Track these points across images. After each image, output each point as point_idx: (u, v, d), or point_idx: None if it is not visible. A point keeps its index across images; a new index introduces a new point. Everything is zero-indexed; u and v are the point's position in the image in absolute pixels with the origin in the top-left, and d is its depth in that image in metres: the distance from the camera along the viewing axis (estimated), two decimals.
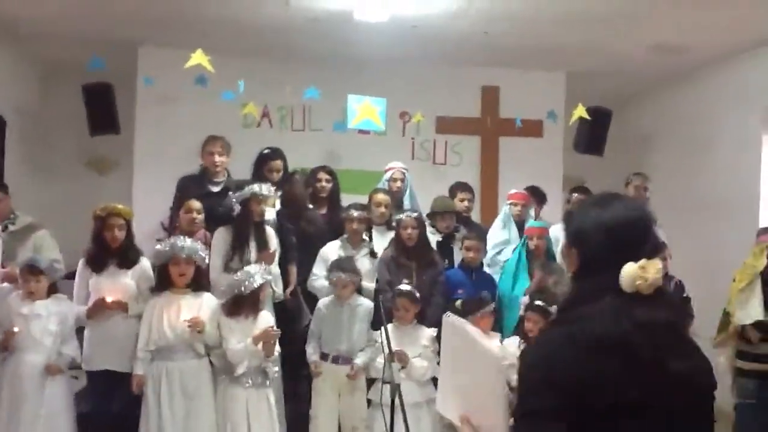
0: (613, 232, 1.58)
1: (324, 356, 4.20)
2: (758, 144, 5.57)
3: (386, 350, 3.45)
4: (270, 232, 4.52)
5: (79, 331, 4.12)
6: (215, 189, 4.94)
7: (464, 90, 6.53)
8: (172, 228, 4.67)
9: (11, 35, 5.83)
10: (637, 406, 1.47)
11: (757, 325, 4.13)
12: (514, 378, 3.83)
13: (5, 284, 4.08)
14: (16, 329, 3.77)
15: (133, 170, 6.32)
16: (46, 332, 3.87)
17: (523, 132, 6.47)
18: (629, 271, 1.52)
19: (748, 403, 4.15)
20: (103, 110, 6.04)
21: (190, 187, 4.94)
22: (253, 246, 4.36)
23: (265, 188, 4.45)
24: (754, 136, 5.61)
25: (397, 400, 3.07)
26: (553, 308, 4.14)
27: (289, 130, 6.39)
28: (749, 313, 4.14)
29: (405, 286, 4.16)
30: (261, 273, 3.95)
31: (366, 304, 4.29)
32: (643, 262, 1.52)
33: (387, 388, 3.31)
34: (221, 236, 4.43)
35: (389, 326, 4.15)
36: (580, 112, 5.36)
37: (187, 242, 3.92)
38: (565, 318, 1.62)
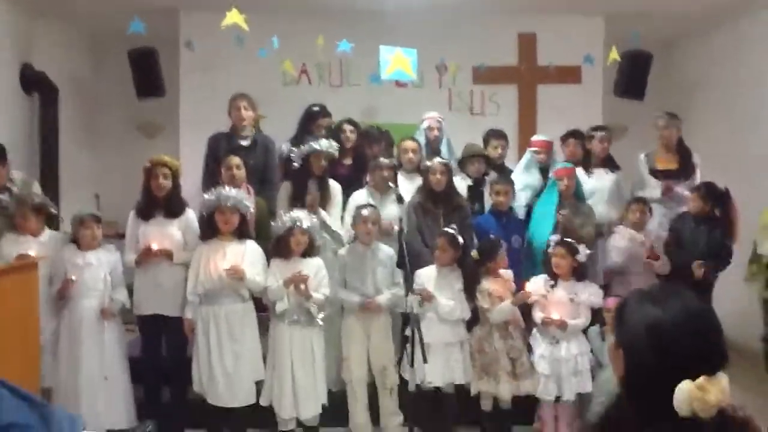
0: (667, 338, 1.31)
1: None
2: None
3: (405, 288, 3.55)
4: (334, 186, 4.69)
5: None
6: (244, 143, 5.12)
7: (500, 38, 6.50)
8: (208, 184, 4.82)
9: (60, 7, 6.08)
10: None
11: None
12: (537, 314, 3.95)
13: (57, 234, 4.35)
14: (73, 278, 4.04)
15: (179, 132, 6.55)
16: (99, 279, 4.15)
17: (561, 78, 6.45)
18: (685, 390, 1.25)
19: None
20: (148, 74, 6.28)
21: (220, 143, 5.14)
22: (313, 200, 4.53)
23: (324, 143, 4.62)
24: None
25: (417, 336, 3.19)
26: (581, 247, 4.23)
27: (327, 86, 6.51)
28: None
29: (448, 229, 4.26)
30: (304, 219, 4.12)
31: (386, 249, 4.40)
32: (702, 380, 1.25)
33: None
34: (284, 190, 4.67)
35: (432, 268, 4.31)
36: (614, 54, 5.31)
37: (232, 192, 4.12)
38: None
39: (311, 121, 5.33)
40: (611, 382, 4.14)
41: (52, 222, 4.54)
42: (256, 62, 5.89)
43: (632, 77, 6.29)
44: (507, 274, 4.30)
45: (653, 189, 5.03)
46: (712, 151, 5.72)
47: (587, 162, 5.17)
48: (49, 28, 6.29)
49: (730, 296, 4.76)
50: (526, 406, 4.35)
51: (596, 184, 5.07)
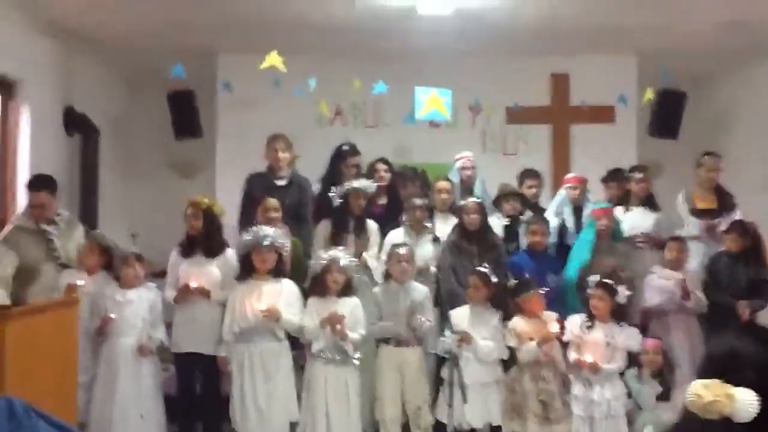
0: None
1: (385, 340, 4.32)
2: None
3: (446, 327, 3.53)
4: (371, 225, 4.74)
5: None
6: (281, 183, 5.17)
7: (533, 79, 6.54)
8: (243, 223, 4.88)
9: (99, 49, 6.27)
10: None
11: None
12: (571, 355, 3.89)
13: (100, 273, 4.44)
14: (113, 315, 4.11)
15: (215, 172, 6.65)
16: (138, 317, 4.22)
17: (595, 118, 6.46)
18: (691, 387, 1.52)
19: None
20: (186, 116, 6.45)
21: (257, 183, 5.21)
22: (351, 239, 4.60)
23: (364, 183, 4.70)
24: None
25: (456, 377, 3.16)
26: (621, 288, 4.18)
27: (361, 127, 6.59)
28: None
29: (482, 268, 4.26)
30: (341, 257, 4.16)
31: (420, 287, 4.40)
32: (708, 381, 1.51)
33: (448, 364, 3.41)
34: (323, 228, 4.73)
35: (465, 308, 4.29)
36: (649, 95, 5.32)
37: (269, 231, 4.17)
38: None
39: (341, 160, 5.35)
40: (650, 426, 4.09)
41: None
42: (292, 103, 6.02)
43: (666, 116, 6.30)
44: (550, 316, 4.24)
45: (692, 228, 4.97)
46: (744, 186, 5.64)
47: (626, 200, 5.13)
48: (88, 69, 6.47)
49: None
50: None
51: (635, 222, 5.02)
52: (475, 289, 4.27)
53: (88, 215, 6.22)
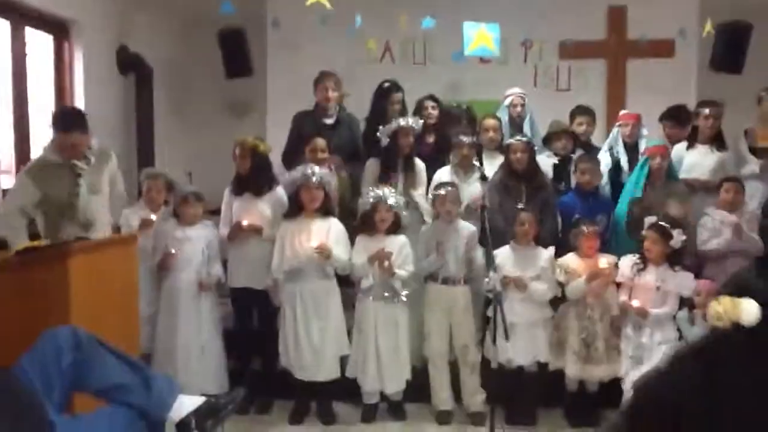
0: None
1: (433, 278, 4.35)
2: None
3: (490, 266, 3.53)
4: (419, 164, 4.74)
5: None
6: (329, 121, 5.16)
7: (588, 11, 6.35)
8: (289, 160, 4.92)
9: None
10: None
11: None
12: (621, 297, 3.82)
13: (163, 210, 4.59)
14: (173, 251, 4.26)
15: (266, 111, 6.70)
16: (197, 253, 4.36)
17: (653, 52, 6.25)
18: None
19: None
20: (237, 54, 6.45)
21: (305, 121, 5.21)
22: (401, 177, 4.61)
23: (411, 120, 4.68)
24: None
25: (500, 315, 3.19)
26: (675, 232, 4.10)
27: (410, 64, 6.51)
28: None
29: (521, 205, 4.27)
30: (389, 196, 4.19)
31: (468, 226, 4.39)
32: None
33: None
34: (370, 167, 4.75)
35: (507, 247, 4.30)
36: (709, 27, 5.10)
37: (317, 170, 4.22)
38: None
39: (384, 98, 5.30)
40: None
41: None
42: (341, 40, 5.98)
43: (729, 50, 6.00)
44: (602, 256, 4.21)
45: (752, 166, 4.82)
46: None
47: (693, 137, 4.98)
48: (142, 11, 6.52)
49: None
50: (617, 390, 4.29)
51: (698, 159, 4.89)
52: (522, 227, 4.26)
53: (145, 153, 6.39)
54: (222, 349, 4.46)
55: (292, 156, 4.90)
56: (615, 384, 4.27)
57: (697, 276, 4.31)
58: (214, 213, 4.79)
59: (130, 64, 6.26)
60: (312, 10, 5.73)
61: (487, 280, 3.45)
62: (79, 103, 5.51)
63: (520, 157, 4.49)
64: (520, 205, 4.26)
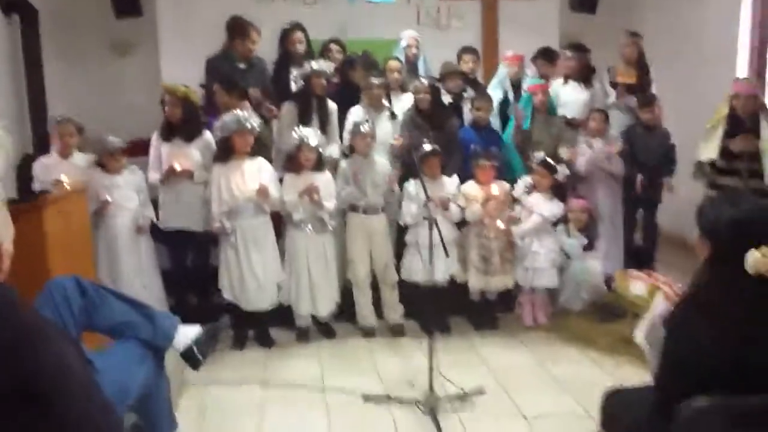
0: (743, 227, 1.99)
1: (354, 208, 4.81)
2: (738, 2, 6.02)
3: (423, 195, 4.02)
4: (332, 105, 5.06)
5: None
6: (242, 66, 5.40)
7: None
8: (209, 105, 5.12)
9: None
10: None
11: (713, 164, 4.85)
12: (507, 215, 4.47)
13: (85, 155, 4.67)
14: (108, 198, 4.42)
15: (159, 51, 6.70)
16: (129, 198, 4.56)
17: None
18: (754, 255, 1.90)
19: None
20: None
21: (220, 66, 5.40)
22: (316, 118, 4.93)
23: (323, 64, 4.99)
24: None
25: (435, 236, 3.74)
26: (560, 167, 4.84)
27: (301, 5, 6.72)
28: (708, 152, 4.85)
29: (427, 146, 4.73)
30: (311, 136, 4.56)
31: (384, 161, 4.88)
32: (765, 249, 1.89)
33: (424, 227, 3.97)
34: (288, 110, 5.02)
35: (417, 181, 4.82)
36: None
37: (249, 115, 4.50)
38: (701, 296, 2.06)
39: (286, 39, 5.58)
40: (580, 273, 4.89)
41: None
42: None
43: None
44: (499, 183, 4.86)
45: (612, 98, 5.64)
46: (656, 59, 6.28)
47: (566, 76, 5.70)
48: None
49: (679, 191, 5.48)
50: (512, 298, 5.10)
51: (571, 96, 5.64)
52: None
53: (36, 97, 6.23)
54: (162, 289, 4.73)
55: (211, 100, 5.08)
56: (509, 293, 5.05)
57: (572, 194, 5.11)
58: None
59: (13, 4, 6.02)
60: None
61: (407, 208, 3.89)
62: None
63: (423, 97, 4.97)
64: (427, 146, 4.75)
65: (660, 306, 2.60)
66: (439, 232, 3.69)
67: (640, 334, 2.33)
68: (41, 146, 6.13)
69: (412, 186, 4.75)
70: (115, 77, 7.33)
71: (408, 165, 4.88)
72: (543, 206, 4.87)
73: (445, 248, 3.68)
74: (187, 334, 2.94)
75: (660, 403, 2.06)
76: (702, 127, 5.21)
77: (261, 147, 4.89)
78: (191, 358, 2.91)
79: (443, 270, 4.68)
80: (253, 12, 6.33)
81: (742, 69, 6.17)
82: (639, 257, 5.51)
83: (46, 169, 4.48)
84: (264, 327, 4.75)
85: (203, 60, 6.19)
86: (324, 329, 4.87)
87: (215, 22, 6.06)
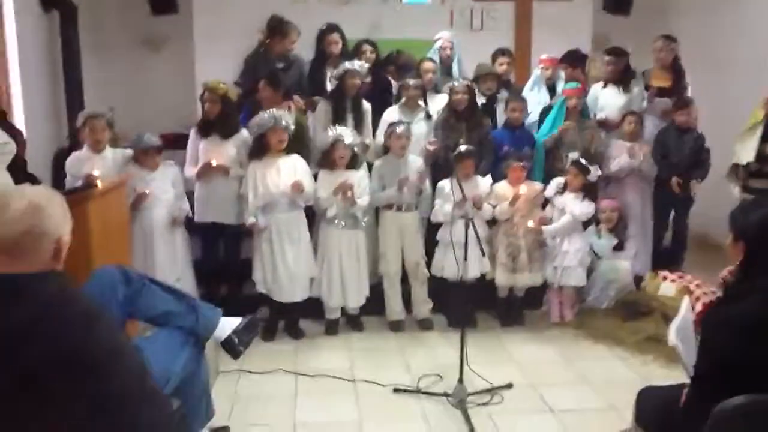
0: None
1: (388, 206, 4.88)
2: None
3: (458, 194, 4.10)
4: (366, 105, 5.14)
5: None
6: (281, 64, 5.49)
7: None
8: (249, 103, 5.19)
9: None
10: None
11: (747, 166, 4.84)
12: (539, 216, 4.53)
13: (119, 150, 4.74)
14: (147, 191, 4.53)
15: (193, 48, 6.82)
16: (166, 191, 4.66)
17: None
18: None
19: None
20: None
21: (258, 64, 5.51)
22: (350, 118, 5.01)
23: (357, 64, 5.06)
24: None
25: (471, 235, 3.80)
26: (592, 168, 4.88)
27: (335, 5, 6.80)
28: (745, 154, 4.84)
29: (463, 147, 4.78)
30: (346, 135, 4.64)
31: (417, 159, 4.93)
32: None
33: (461, 224, 4.02)
34: (323, 109, 5.11)
35: (451, 180, 4.88)
36: None
37: (284, 114, 4.60)
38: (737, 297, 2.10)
39: (322, 40, 5.66)
40: (609, 272, 4.92)
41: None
42: None
43: None
44: (531, 183, 4.91)
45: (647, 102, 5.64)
46: (689, 63, 6.25)
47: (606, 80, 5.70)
48: None
49: (710, 193, 5.48)
50: (540, 295, 5.13)
51: (609, 99, 5.63)
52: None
53: (73, 92, 6.38)
54: (194, 279, 4.83)
55: (250, 97, 5.18)
56: (537, 290, 5.09)
57: (603, 195, 5.14)
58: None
59: (52, 0, 6.17)
60: None
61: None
62: (12, 42, 5.48)
63: (461, 98, 5.03)
64: (463, 147, 4.79)
65: (690, 307, 2.65)
66: (476, 230, 3.75)
67: (672, 334, 2.36)
68: (77, 141, 6.30)
69: (447, 185, 4.80)
70: (149, 73, 7.50)
71: (442, 165, 4.95)
72: (574, 206, 4.90)
73: (481, 247, 3.75)
74: (228, 324, 3.03)
75: (696, 401, 2.10)
76: (734, 131, 5.21)
77: (299, 144, 4.97)
78: (232, 347, 3.00)
79: (476, 267, 4.71)
80: (287, 11, 6.42)
81: None
82: (668, 258, 5.50)
83: (79, 163, 4.54)
84: (295, 319, 4.83)
85: (237, 58, 6.37)
86: (353, 322, 4.95)
87: (250, 20, 6.26)
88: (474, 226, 3.79)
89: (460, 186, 3.96)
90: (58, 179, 5.72)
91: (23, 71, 5.59)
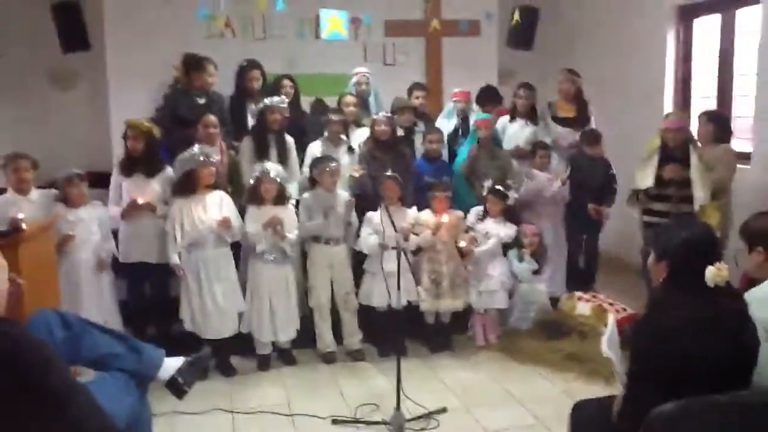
0: (696, 247, 2.33)
1: (317, 239, 4.96)
2: (664, 38, 6.53)
3: (387, 224, 4.22)
4: (289, 140, 5.22)
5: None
6: (201, 101, 5.47)
7: None
8: (174, 139, 5.17)
9: None
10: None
11: (647, 190, 5.21)
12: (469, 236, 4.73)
13: (45, 191, 4.63)
14: (72, 233, 4.43)
15: (107, 85, 6.71)
16: (92, 233, 4.57)
17: (461, 31, 7.26)
18: (711, 271, 2.24)
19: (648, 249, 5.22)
20: (73, 28, 6.39)
21: (178, 101, 5.51)
22: (274, 152, 5.07)
23: (277, 99, 5.15)
24: (661, 30, 6.55)
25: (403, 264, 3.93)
26: (510, 193, 5.15)
27: (251, 39, 6.87)
28: (645, 180, 5.22)
29: (389, 173, 4.94)
30: (271, 169, 4.71)
31: (345, 194, 5.04)
32: (718, 264, 2.25)
33: (392, 254, 4.16)
34: (247, 145, 5.15)
35: (378, 211, 4.99)
36: (516, 16, 6.19)
37: (210, 150, 4.61)
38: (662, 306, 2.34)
39: (243, 76, 5.74)
40: (529, 294, 5.17)
41: None
42: (181, 15, 6.23)
43: (523, 30, 7.16)
44: (452, 213, 5.11)
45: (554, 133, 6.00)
46: (590, 93, 6.67)
47: (513, 113, 6.03)
48: None
49: (616, 216, 5.88)
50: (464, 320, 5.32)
51: (517, 131, 5.96)
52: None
53: None
54: (121, 320, 4.74)
55: (175, 134, 5.17)
56: (462, 315, 5.27)
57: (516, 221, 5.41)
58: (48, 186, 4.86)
59: None
60: None
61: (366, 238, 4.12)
62: None
63: (384, 129, 5.22)
64: (389, 173, 4.96)
65: (615, 322, 2.88)
66: (408, 260, 3.89)
67: (605, 346, 2.56)
68: None
69: (375, 216, 4.90)
70: (60, 111, 7.33)
71: (369, 195, 5.08)
72: (499, 229, 5.16)
73: (413, 275, 3.87)
74: (171, 364, 3.02)
75: (629, 409, 2.30)
76: (632, 158, 5.61)
77: (234, 180, 5.03)
78: (176, 388, 2.98)
79: (405, 295, 4.83)
80: (202, 47, 6.47)
81: (668, 102, 6.65)
82: (582, 278, 5.83)
83: (4, 207, 4.38)
84: (225, 356, 4.81)
85: (151, 94, 6.36)
86: (285, 356, 4.97)
87: (164, 56, 6.30)
88: (406, 255, 3.92)
89: (390, 216, 4.07)
90: None
91: None
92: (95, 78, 6.93)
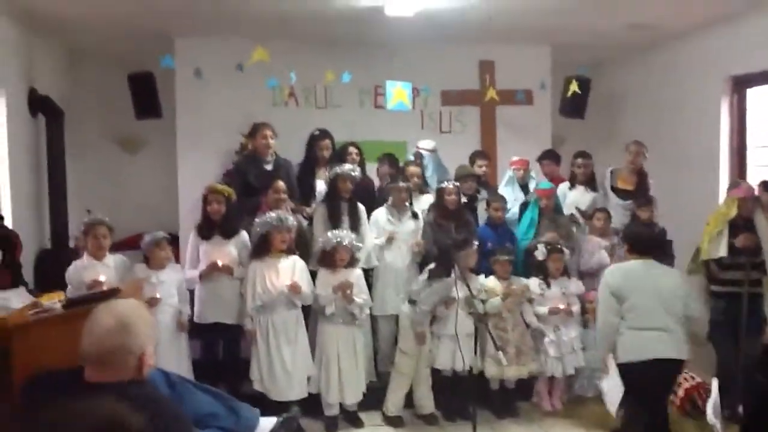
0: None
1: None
2: (718, 107, 6.64)
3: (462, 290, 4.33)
4: (361, 207, 5.40)
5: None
6: (269, 167, 5.69)
7: (464, 65, 7.40)
8: (244, 204, 5.36)
9: (55, 30, 6.41)
10: None
11: (719, 260, 5.23)
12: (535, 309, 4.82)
13: (119, 256, 4.81)
14: (158, 296, 4.60)
15: (176, 149, 7.00)
16: (172, 295, 4.75)
17: (517, 101, 7.46)
18: None
19: (719, 318, 5.21)
20: (147, 97, 6.73)
21: (248, 167, 5.72)
22: (345, 219, 5.24)
23: (348, 167, 5.33)
24: (715, 100, 6.67)
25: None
26: (566, 251, 5.23)
27: (313, 108, 7.15)
28: (718, 250, 5.23)
29: (474, 242, 5.06)
30: (345, 237, 4.87)
31: None
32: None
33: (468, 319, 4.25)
34: (320, 211, 5.34)
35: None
36: (574, 86, 6.35)
37: (287, 215, 4.80)
38: None
39: (313, 145, 5.95)
40: (594, 361, 5.17)
41: None
42: (247, 85, 6.54)
43: (575, 99, 7.34)
44: (517, 279, 5.23)
45: (614, 201, 6.07)
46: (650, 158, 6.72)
47: (573, 180, 6.18)
48: (47, 50, 6.60)
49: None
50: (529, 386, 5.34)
51: (577, 198, 6.08)
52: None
53: (56, 193, 6.41)
54: (193, 380, 4.83)
55: (247, 200, 5.37)
56: (526, 381, 5.28)
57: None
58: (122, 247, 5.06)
59: (39, 105, 6.29)
60: (219, 56, 6.43)
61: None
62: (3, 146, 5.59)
63: (452, 198, 5.38)
64: (474, 244, 5.05)
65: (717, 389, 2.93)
66: (487, 327, 3.97)
67: (710, 414, 2.61)
68: (58, 242, 6.30)
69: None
70: (129, 175, 7.67)
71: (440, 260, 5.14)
72: (570, 286, 5.30)
73: (494, 341, 3.95)
74: (267, 424, 3.12)
75: None
76: (686, 226, 5.66)
77: (302, 245, 5.18)
78: None
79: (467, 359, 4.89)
80: (267, 115, 6.74)
81: (725, 171, 6.71)
82: None
83: (82, 272, 4.57)
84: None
85: (218, 158, 6.66)
86: (351, 418, 5.02)
87: (230, 122, 6.62)
88: (487, 323, 4.00)
89: (467, 283, 4.18)
90: (41, 280, 5.71)
91: (12, 175, 5.67)
92: (165, 144, 7.23)
